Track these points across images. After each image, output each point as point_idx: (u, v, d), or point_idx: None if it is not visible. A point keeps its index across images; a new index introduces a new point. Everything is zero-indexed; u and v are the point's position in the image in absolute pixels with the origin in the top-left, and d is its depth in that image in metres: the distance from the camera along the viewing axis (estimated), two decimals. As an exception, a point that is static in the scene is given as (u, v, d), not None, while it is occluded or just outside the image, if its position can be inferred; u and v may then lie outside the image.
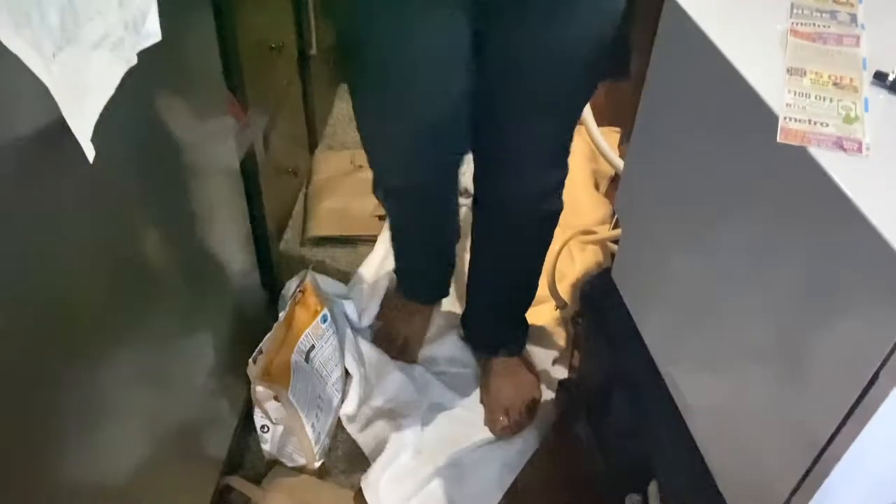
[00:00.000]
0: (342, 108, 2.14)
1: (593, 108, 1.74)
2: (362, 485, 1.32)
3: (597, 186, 1.82)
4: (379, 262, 1.67)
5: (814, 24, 0.82)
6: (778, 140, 0.72)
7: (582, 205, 1.71)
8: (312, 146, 1.97)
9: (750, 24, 0.83)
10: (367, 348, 1.52)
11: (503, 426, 1.43)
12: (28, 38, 0.56)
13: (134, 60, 0.72)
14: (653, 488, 1.13)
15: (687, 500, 1.08)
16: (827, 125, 0.72)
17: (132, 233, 0.87)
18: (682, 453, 1.00)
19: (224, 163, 1.16)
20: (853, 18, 0.82)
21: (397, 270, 1.57)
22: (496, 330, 1.51)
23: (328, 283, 1.55)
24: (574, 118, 1.16)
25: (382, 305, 1.59)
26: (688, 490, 1.06)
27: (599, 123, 1.73)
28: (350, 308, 1.54)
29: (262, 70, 1.41)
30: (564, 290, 1.58)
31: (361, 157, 1.93)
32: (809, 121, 0.73)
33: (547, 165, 1.20)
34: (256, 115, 1.34)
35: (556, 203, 1.26)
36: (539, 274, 1.42)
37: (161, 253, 0.96)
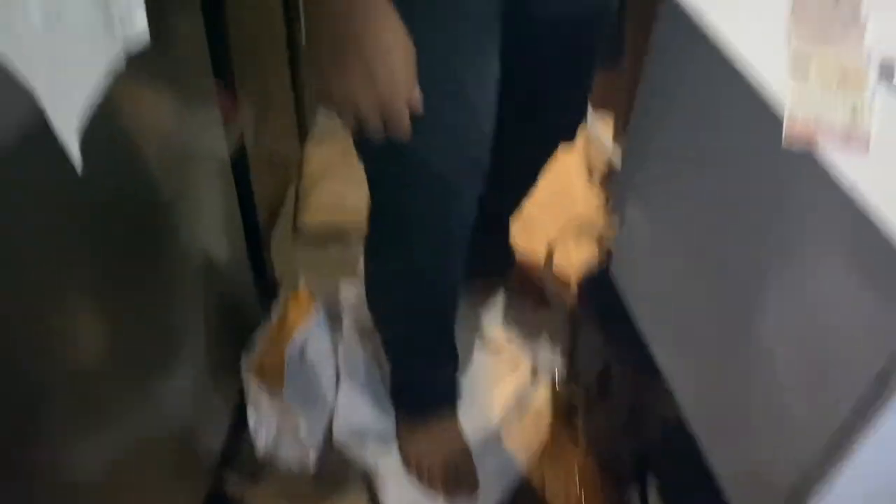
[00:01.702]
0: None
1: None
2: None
3: (590, 172, 1.81)
4: None
5: (818, 8, 0.80)
6: (783, 145, 0.70)
7: (576, 193, 1.69)
8: (303, 137, 1.94)
9: (754, 12, 0.82)
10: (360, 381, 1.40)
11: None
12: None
13: (121, 53, 0.70)
14: (651, 480, 1.13)
15: (685, 493, 1.07)
16: (833, 121, 0.71)
17: (120, 227, 0.85)
18: (680, 447, 1.00)
19: (213, 155, 1.14)
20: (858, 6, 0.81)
21: (406, 387, 1.32)
22: (495, 254, 1.40)
23: (323, 284, 1.48)
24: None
25: (403, 451, 1.33)
26: (685, 484, 1.05)
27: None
28: (348, 319, 1.45)
29: (251, 60, 1.38)
30: (562, 284, 1.56)
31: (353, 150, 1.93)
32: (815, 118, 0.71)
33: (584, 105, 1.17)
34: (246, 106, 1.31)
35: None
36: None
37: (150, 246, 0.94)
